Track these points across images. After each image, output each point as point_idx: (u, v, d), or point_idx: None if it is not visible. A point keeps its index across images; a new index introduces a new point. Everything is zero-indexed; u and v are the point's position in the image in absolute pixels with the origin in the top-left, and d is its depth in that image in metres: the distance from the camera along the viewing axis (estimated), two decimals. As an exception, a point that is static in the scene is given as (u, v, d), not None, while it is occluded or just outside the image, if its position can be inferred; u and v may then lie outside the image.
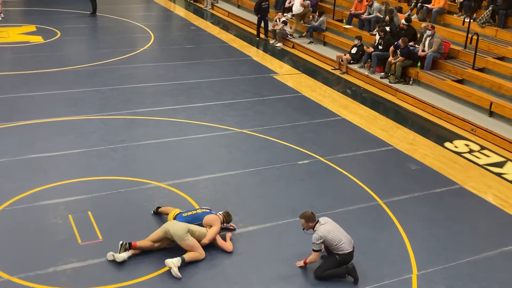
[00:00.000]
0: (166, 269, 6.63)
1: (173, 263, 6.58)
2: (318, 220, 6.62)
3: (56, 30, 18.09)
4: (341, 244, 6.49)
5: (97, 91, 12.75)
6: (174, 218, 7.17)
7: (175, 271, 6.54)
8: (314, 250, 6.54)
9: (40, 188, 8.33)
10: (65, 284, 6.35)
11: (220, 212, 7.46)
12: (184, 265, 6.67)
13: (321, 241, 6.46)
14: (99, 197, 8.23)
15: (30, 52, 15.64)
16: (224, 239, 7.22)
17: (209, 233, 7.06)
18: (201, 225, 7.15)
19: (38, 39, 16.99)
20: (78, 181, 8.65)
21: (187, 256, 6.76)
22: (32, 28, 18.33)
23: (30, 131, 10.38)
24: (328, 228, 6.54)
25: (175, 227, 6.86)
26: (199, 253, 6.87)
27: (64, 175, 8.75)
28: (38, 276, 6.46)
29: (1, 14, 19.09)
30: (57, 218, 7.63)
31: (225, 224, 7.40)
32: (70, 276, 6.50)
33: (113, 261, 6.73)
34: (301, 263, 6.72)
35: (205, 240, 7.00)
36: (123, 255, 6.73)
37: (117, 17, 20.86)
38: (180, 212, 7.30)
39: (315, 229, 6.57)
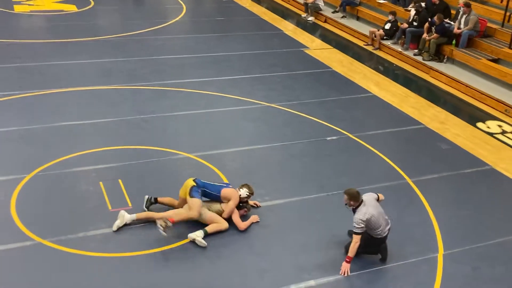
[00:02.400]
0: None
1: (196, 235, 6.69)
2: (362, 200, 6.31)
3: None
4: (379, 231, 6.35)
5: (128, 61, 12.85)
6: (194, 179, 7.03)
7: (200, 240, 6.65)
8: (355, 233, 6.19)
9: (72, 155, 8.50)
10: (95, 249, 6.52)
11: (240, 187, 7.34)
12: (208, 236, 6.77)
13: (363, 225, 6.18)
14: (129, 166, 8.36)
15: (63, 20, 15.80)
16: (243, 218, 7.14)
17: (227, 208, 7.03)
18: (218, 197, 7.09)
19: (72, 8, 17.14)
20: (109, 149, 8.79)
21: (209, 228, 6.83)
22: (66, -4, 18.51)
23: (62, 99, 10.56)
24: (371, 212, 6.23)
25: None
26: (221, 223, 6.94)
27: (95, 143, 8.90)
28: (69, 240, 6.64)
29: None
30: (89, 184, 7.80)
31: (246, 194, 7.17)
32: (100, 241, 6.67)
33: (140, 228, 6.87)
34: (346, 266, 6.29)
35: (224, 215, 7.03)
36: (131, 216, 6.91)
37: (150, -13, 20.86)
38: (197, 178, 7.11)
39: (357, 210, 6.25)
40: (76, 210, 7.24)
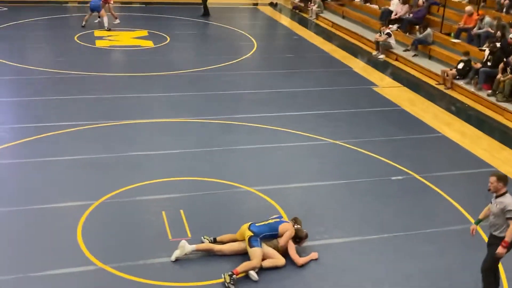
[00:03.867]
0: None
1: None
2: (507, 191, 6.09)
3: (166, 36, 19.00)
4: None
5: (198, 95, 13.22)
6: (249, 228, 7.03)
7: (252, 273, 6.64)
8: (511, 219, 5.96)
9: (138, 184, 8.78)
10: (153, 277, 6.63)
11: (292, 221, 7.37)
12: (264, 271, 6.74)
13: None
14: (191, 197, 8.52)
15: (140, 55, 16.55)
16: (300, 253, 7.10)
17: (284, 237, 7.01)
18: (277, 235, 7.07)
19: (149, 44, 17.94)
20: (173, 180, 9.01)
21: (265, 263, 6.81)
22: (144, 33, 19.40)
23: (132, 130, 10.98)
24: None
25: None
26: (277, 259, 6.90)
27: (160, 174, 9.16)
28: (128, 267, 6.80)
29: (117, 19, 20.35)
30: (151, 213, 8.00)
31: (296, 225, 7.22)
32: (158, 270, 6.78)
33: (198, 259, 6.94)
34: (502, 250, 6.02)
35: (281, 242, 7.00)
36: (191, 247, 6.95)
37: (223, 25, 21.53)
38: (253, 223, 7.13)
39: (505, 195, 6.04)
40: (137, 238, 7.43)
